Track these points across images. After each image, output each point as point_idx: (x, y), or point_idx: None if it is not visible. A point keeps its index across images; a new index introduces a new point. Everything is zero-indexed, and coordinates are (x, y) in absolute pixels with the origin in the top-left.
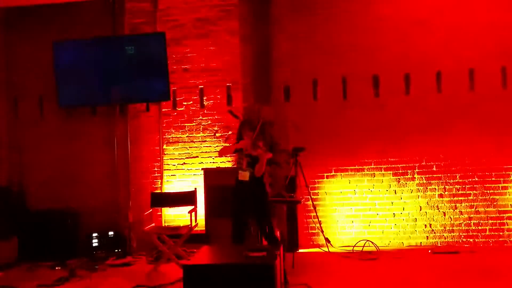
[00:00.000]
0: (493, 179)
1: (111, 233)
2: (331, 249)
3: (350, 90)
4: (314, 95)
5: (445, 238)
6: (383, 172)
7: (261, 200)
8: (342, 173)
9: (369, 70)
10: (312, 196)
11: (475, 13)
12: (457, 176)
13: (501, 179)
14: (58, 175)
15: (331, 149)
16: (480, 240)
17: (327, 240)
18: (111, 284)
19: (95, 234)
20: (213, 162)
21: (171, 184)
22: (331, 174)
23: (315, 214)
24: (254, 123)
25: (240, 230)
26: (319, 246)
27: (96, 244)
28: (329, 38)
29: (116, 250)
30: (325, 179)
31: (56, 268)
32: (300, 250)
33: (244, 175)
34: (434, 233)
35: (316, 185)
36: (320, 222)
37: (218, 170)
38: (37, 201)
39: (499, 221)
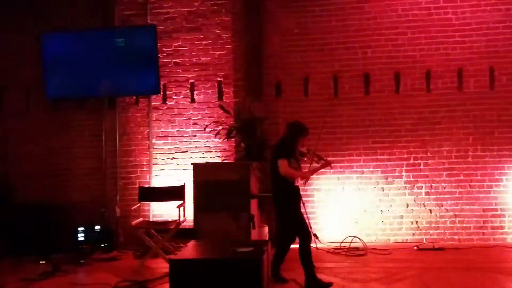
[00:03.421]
0: (479, 177)
1: (97, 227)
2: (319, 245)
3: (341, 88)
4: (305, 91)
5: (430, 235)
6: (371, 169)
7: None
8: (331, 170)
9: (360, 68)
10: (302, 192)
11: (464, 13)
12: (444, 174)
13: (486, 177)
14: (44, 169)
15: (321, 146)
16: (465, 237)
17: (315, 236)
18: (97, 279)
19: (81, 229)
20: (203, 157)
21: (160, 178)
22: (321, 170)
23: (303, 210)
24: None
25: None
26: None
27: (83, 239)
28: (321, 35)
29: (103, 245)
30: (314, 176)
31: (41, 262)
32: None
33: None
34: (420, 230)
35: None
36: (308, 218)
37: (208, 165)
38: (23, 194)
39: (483, 219)
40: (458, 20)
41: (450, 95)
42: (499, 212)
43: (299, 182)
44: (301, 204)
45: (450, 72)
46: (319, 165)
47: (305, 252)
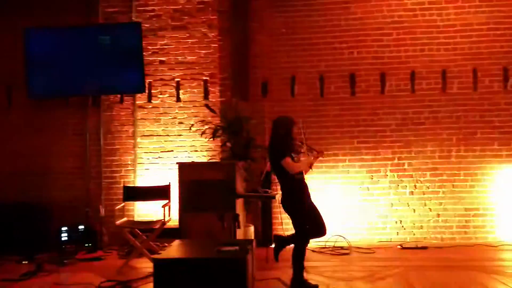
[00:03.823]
0: (462, 177)
1: (81, 227)
2: None
3: (327, 88)
4: (292, 91)
5: (414, 234)
6: (357, 169)
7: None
8: (317, 170)
9: (346, 68)
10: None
11: (448, 15)
12: (427, 174)
13: (469, 177)
14: (27, 167)
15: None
16: (448, 236)
17: None
18: (81, 279)
19: (64, 228)
20: (189, 157)
21: (145, 178)
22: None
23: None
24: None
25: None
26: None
27: (66, 239)
28: (308, 35)
29: (87, 245)
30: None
31: (23, 262)
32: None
33: (320, 155)
34: (404, 229)
35: None
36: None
37: (193, 165)
38: (4, 193)
39: (466, 218)
40: (442, 21)
41: (434, 96)
42: (481, 212)
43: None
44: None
45: (434, 73)
46: (313, 157)
47: (299, 251)
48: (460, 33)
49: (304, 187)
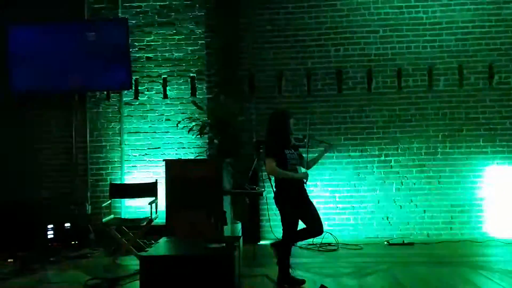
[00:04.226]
0: (447, 174)
1: (67, 225)
2: None
3: (314, 85)
4: (279, 88)
5: (400, 230)
6: (344, 166)
7: (311, 202)
8: (334, 152)
9: (332, 65)
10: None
11: (434, 12)
12: (414, 171)
13: (454, 174)
14: (11, 165)
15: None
16: (434, 232)
17: None
18: (67, 277)
19: (50, 226)
20: (176, 154)
21: (132, 175)
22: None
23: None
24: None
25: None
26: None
27: (52, 236)
28: (294, 32)
29: (73, 242)
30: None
31: (9, 260)
32: (262, 242)
33: (306, 175)
34: (391, 225)
35: None
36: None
37: (181, 162)
38: None
39: (452, 214)
40: (428, 19)
41: (421, 93)
42: (467, 208)
43: (305, 176)
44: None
45: (420, 71)
46: (319, 153)
47: (284, 248)
48: (446, 30)
49: (296, 184)
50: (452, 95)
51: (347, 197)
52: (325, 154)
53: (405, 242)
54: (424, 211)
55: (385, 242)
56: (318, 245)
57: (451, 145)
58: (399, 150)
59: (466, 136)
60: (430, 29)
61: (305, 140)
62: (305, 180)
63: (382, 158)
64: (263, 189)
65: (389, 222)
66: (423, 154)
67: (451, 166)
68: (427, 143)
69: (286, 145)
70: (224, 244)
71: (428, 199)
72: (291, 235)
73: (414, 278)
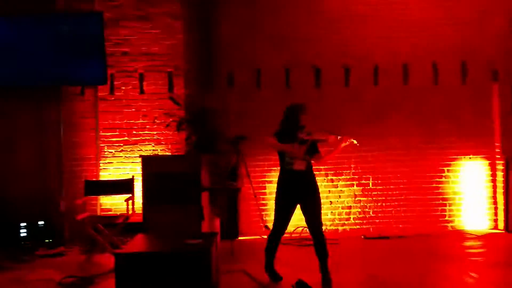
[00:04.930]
0: (422, 168)
1: (41, 222)
2: None
3: (293, 80)
4: (258, 83)
5: (377, 224)
6: None
7: (316, 192)
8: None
9: (310, 61)
10: (254, 185)
11: (409, 10)
12: (390, 166)
13: (430, 168)
14: None
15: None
16: (408, 226)
17: (266, 227)
18: (41, 275)
19: (23, 224)
20: (153, 150)
21: (108, 171)
22: (272, 162)
23: (256, 202)
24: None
25: (285, 224)
26: (259, 234)
27: (25, 234)
28: (273, 28)
29: (47, 241)
30: (265, 168)
31: None
32: (240, 238)
33: (301, 164)
34: (367, 219)
35: (258, 174)
36: (260, 210)
37: (157, 158)
38: None
39: (427, 208)
40: (404, 16)
41: (396, 89)
42: (440, 202)
43: (298, 165)
44: (297, 194)
45: (396, 67)
46: (339, 140)
47: (268, 240)
48: (420, 27)
49: (294, 180)
50: (427, 92)
51: (325, 192)
52: (342, 146)
53: (381, 236)
54: (400, 205)
55: (362, 236)
56: (296, 240)
57: (425, 140)
58: (375, 146)
59: (440, 131)
60: (404, 26)
61: (310, 134)
62: (302, 168)
63: (359, 153)
64: (240, 186)
65: (366, 216)
66: (398, 149)
67: (426, 160)
68: (402, 138)
69: (290, 137)
70: (201, 240)
71: (403, 193)
72: (273, 230)
73: (390, 271)
